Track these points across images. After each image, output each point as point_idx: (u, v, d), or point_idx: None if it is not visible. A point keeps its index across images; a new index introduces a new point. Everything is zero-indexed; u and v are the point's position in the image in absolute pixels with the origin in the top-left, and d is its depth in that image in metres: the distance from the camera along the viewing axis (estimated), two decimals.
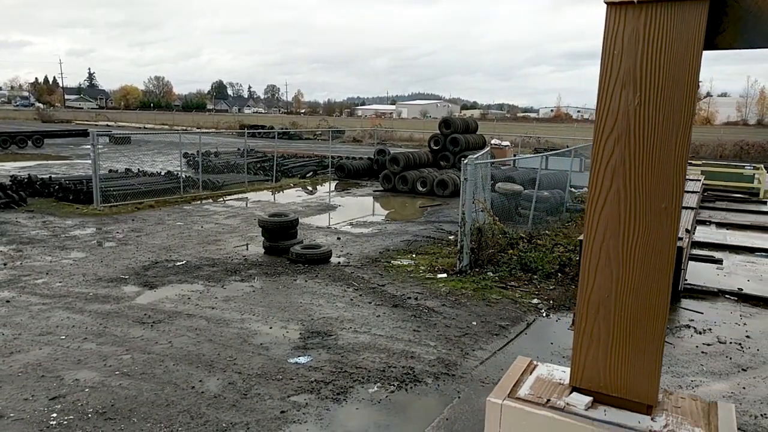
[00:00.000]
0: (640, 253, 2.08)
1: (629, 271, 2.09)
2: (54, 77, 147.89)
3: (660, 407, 2.16)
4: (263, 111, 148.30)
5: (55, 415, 4.57)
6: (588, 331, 2.13)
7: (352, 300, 7.57)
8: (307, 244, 9.86)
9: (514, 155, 26.31)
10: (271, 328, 6.55)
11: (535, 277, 8.69)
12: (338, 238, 11.26)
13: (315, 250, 9.43)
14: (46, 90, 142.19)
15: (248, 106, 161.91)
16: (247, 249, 10.24)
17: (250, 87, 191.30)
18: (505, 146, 28.62)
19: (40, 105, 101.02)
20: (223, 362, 5.63)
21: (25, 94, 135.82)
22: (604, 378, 2.11)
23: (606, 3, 2.22)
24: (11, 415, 4.55)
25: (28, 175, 15.91)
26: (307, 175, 21.47)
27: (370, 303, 7.47)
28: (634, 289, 2.08)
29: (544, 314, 7.30)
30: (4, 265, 8.73)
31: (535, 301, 7.73)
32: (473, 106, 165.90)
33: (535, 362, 2.35)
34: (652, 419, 2.08)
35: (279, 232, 9.91)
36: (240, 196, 16.72)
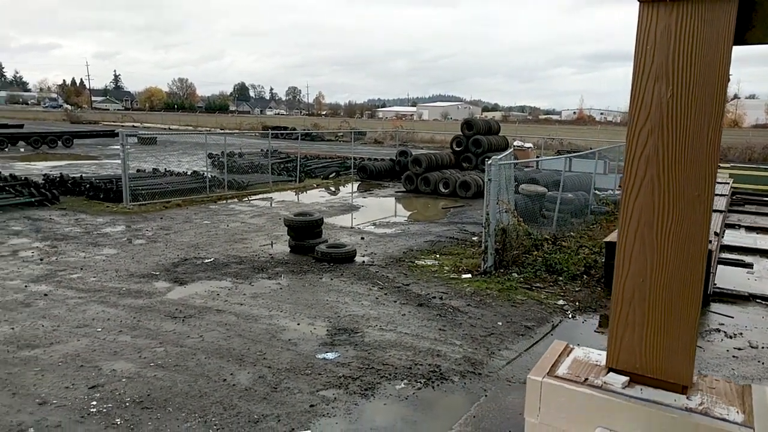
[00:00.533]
0: (674, 239, 2.13)
1: (663, 258, 2.14)
2: (81, 79, 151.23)
3: (695, 388, 2.21)
4: (285, 112, 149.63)
5: (94, 402, 4.74)
6: (624, 315, 2.19)
7: (377, 298, 7.66)
8: (331, 243, 9.97)
9: (537, 157, 26.17)
10: (298, 324, 6.67)
11: (561, 278, 8.68)
12: (362, 238, 11.36)
13: (340, 250, 9.54)
14: (73, 92, 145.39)
15: (270, 107, 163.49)
16: (272, 247, 10.40)
17: (271, 89, 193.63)
18: (528, 148, 28.49)
19: (68, 106, 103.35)
20: (253, 356, 5.75)
21: (54, 95, 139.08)
22: (640, 360, 2.16)
23: (639, 1, 2.28)
24: (54, 401, 4.73)
25: (60, 174, 16.35)
26: (330, 176, 21.65)
27: (395, 302, 7.54)
28: (668, 275, 2.13)
29: (570, 316, 7.29)
30: (41, 260, 9.01)
31: (561, 302, 7.73)
32: (494, 108, 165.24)
33: (571, 345, 2.42)
34: (687, 398, 2.12)
35: (304, 231, 10.05)
36: (264, 195, 16.95)
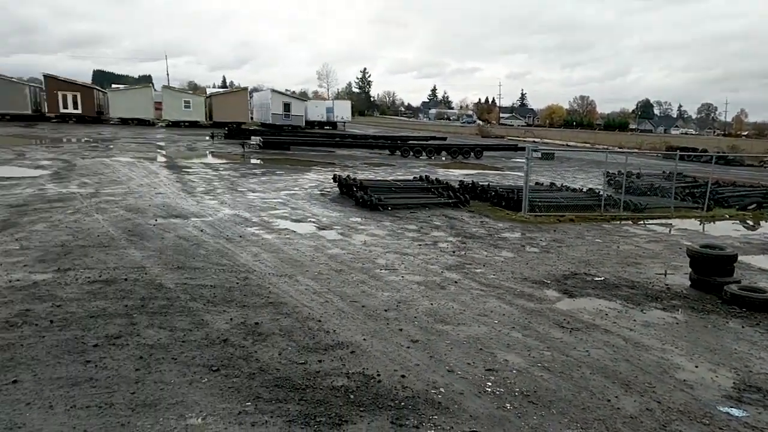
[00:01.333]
0: None
1: None
2: (493, 98, 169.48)
3: None
4: (693, 132, 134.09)
5: (489, 383, 5.35)
6: None
7: None
8: (746, 285, 8.51)
9: None
10: (696, 367, 5.98)
11: None
12: None
13: (758, 294, 8.05)
14: (485, 109, 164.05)
15: (676, 126, 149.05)
16: (667, 277, 9.56)
17: (680, 106, 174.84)
18: None
19: (480, 122, 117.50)
20: (641, 386, 5.46)
21: (470, 112, 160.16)
22: None
23: None
24: (458, 372, 5.56)
25: (471, 181, 18.77)
26: (749, 207, 18.38)
27: None
28: None
29: None
30: (453, 252, 10.60)
31: None
32: None
33: None
34: None
35: (711, 266, 8.88)
36: (662, 221, 15.65)
